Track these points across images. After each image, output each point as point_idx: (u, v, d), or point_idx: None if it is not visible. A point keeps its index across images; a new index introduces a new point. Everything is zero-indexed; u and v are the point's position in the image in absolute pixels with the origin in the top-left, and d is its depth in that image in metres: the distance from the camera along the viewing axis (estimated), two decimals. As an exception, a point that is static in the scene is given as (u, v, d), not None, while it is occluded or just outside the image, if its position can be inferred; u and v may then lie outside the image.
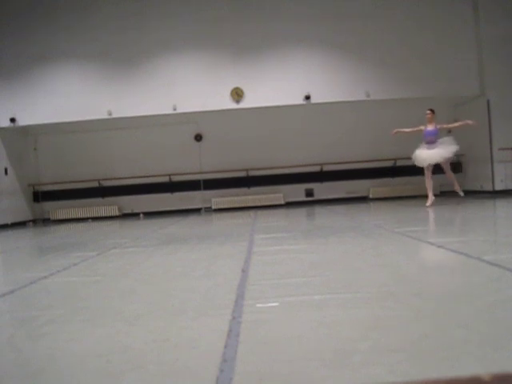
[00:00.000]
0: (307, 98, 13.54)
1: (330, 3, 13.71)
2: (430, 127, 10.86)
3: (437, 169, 15.04)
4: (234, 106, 13.75)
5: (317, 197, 15.52)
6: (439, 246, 4.71)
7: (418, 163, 10.94)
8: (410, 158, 14.93)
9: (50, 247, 8.02)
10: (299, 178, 15.36)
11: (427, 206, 10.61)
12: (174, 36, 13.84)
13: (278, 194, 15.42)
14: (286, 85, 13.60)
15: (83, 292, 3.87)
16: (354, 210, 11.61)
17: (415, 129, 11.07)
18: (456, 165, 15.21)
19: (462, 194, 11.34)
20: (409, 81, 13.52)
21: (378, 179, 15.23)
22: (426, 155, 10.71)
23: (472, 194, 14.21)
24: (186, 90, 13.69)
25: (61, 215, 15.55)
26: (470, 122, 10.74)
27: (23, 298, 3.83)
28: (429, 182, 10.96)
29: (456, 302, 2.80)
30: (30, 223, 15.11)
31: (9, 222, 14.06)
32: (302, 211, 12.55)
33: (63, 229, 12.39)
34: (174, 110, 13.81)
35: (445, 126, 11.11)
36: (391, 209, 11.37)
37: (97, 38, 13.87)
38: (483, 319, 2.43)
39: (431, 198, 10.91)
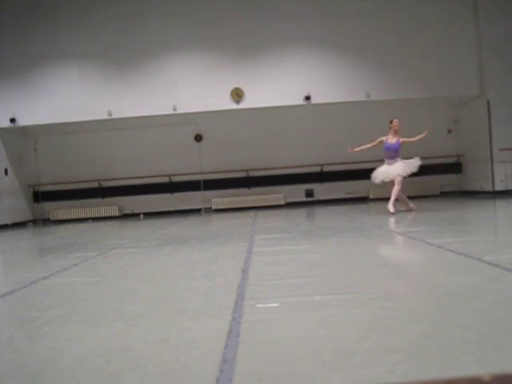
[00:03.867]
0: (307, 98, 13.53)
1: (329, 3, 13.70)
2: (392, 140, 9.74)
3: (436, 168, 15.09)
4: (234, 106, 13.75)
5: (317, 197, 15.51)
6: (439, 247, 4.71)
7: (373, 179, 10.00)
8: (409, 159, 15.05)
9: (50, 248, 8.02)
10: (299, 179, 15.36)
11: (392, 213, 9.35)
12: (174, 36, 13.83)
13: (278, 194, 15.42)
14: (286, 85, 13.59)
15: (83, 292, 3.87)
16: (354, 210, 11.61)
17: (375, 142, 9.96)
18: (456, 165, 15.24)
19: (392, 210, 9.41)
20: (409, 81, 13.51)
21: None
22: (383, 172, 9.77)
23: (472, 194, 14.22)
24: (186, 90, 13.69)
25: (61, 215, 15.54)
26: (424, 134, 9.76)
27: (23, 298, 3.83)
28: (392, 187, 9.73)
29: (456, 303, 2.80)
30: (30, 223, 15.11)
31: (9, 223, 14.05)
32: (302, 212, 12.55)
33: (63, 229, 12.39)
34: (174, 110, 13.80)
35: (406, 139, 9.77)
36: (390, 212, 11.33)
37: (97, 39, 13.86)
38: (483, 319, 2.43)
39: (392, 202, 9.58)
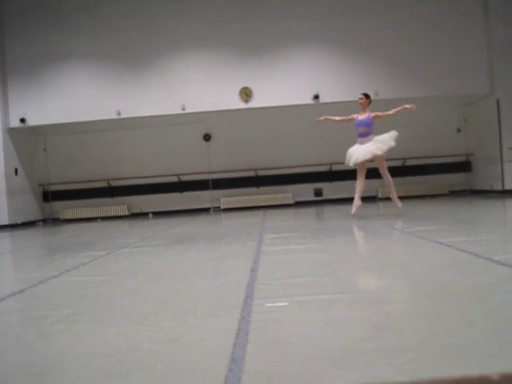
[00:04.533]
0: (316, 97, 13.52)
1: (338, 2, 13.69)
2: (362, 116, 8.91)
3: (445, 167, 15.04)
4: (242, 105, 13.77)
5: (326, 196, 15.50)
6: (449, 246, 4.69)
7: (346, 162, 9.15)
8: (419, 158, 15.02)
9: (59, 247, 8.06)
10: (308, 178, 15.36)
11: (352, 215, 8.93)
12: (183, 36, 13.86)
13: (287, 193, 15.41)
14: (295, 84, 13.59)
15: (92, 291, 3.88)
16: (363, 209, 11.58)
17: (347, 117, 9.16)
18: (465, 164, 15.17)
19: (399, 205, 9.21)
20: (418, 80, 13.48)
21: (387, 179, 15.15)
22: (353, 151, 8.92)
23: (482, 193, 14.15)
24: (194, 89, 13.72)
25: (70, 215, 15.61)
26: (407, 106, 8.73)
27: (33, 297, 3.84)
28: (359, 184, 9.05)
29: (465, 302, 2.79)
30: (40, 223, 15.18)
31: (19, 222, 14.13)
32: (310, 211, 12.54)
33: (72, 228, 12.44)
34: (183, 109, 13.84)
35: (379, 113, 8.87)
36: (401, 208, 11.29)
37: (106, 38, 13.92)
38: (492, 319, 2.42)
39: (357, 203, 9.06)
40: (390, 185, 9.01)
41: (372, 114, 8.79)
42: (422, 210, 10.35)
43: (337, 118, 9.26)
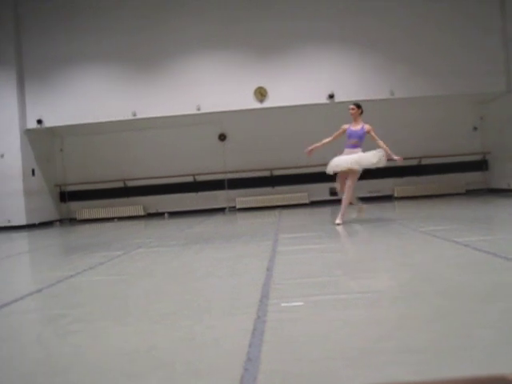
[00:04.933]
0: (331, 96, 13.49)
1: (352, 1, 13.64)
2: (357, 126, 8.21)
3: (461, 166, 14.93)
4: (257, 105, 13.76)
5: (341, 196, 15.43)
6: (465, 245, 4.66)
7: (327, 170, 8.51)
8: (435, 157, 14.92)
9: (76, 247, 8.12)
10: (323, 177, 15.25)
11: (337, 224, 8.04)
12: (197, 36, 13.88)
13: (303, 193, 15.39)
14: (310, 84, 13.55)
15: (109, 291, 3.91)
16: (378, 209, 11.54)
17: (337, 133, 8.38)
18: (482, 162, 15.05)
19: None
20: (433, 78, 13.37)
21: (403, 178, 15.08)
22: (333, 162, 8.30)
23: (499, 192, 14.03)
24: (209, 89, 13.74)
25: (87, 215, 15.71)
26: (395, 157, 7.93)
27: (51, 296, 3.88)
28: (343, 188, 8.47)
29: (482, 302, 2.78)
30: (57, 223, 15.29)
31: (36, 222, 14.25)
32: (326, 210, 12.51)
33: (89, 228, 12.52)
34: (198, 110, 13.87)
35: (373, 133, 8.12)
36: (416, 208, 11.26)
37: (120, 40, 13.98)
38: (509, 319, 2.41)
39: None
40: (345, 200, 8.29)
41: (367, 127, 8.12)
42: (438, 210, 10.29)
43: (327, 140, 8.48)
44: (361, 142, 8.18)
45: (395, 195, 15.01)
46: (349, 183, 8.14)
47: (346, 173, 8.18)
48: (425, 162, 14.93)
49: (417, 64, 13.37)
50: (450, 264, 4.02)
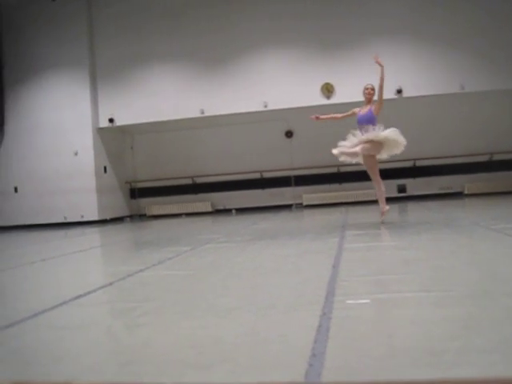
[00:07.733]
0: (399, 91, 13.25)
1: (421, -6, 13.36)
2: (364, 109, 7.72)
3: (502, 165, 14.35)
4: (324, 101, 13.68)
5: (409, 193, 15.16)
6: (540, 244, 4.50)
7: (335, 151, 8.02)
8: (507, 153, 14.41)
9: (145, 242, 8.31)
10: (391, 174, 15.05)
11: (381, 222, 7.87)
12: (263, 34, 13.94)
13: (370, 190, 15.19)
14: (377, 79, 13.34)
15: (177, 285, 3.98)
16: (448, 206, 11.27)
17: (347, 113, 8.08)
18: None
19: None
20: (504, 72, 12.90)
21: (474, 174, 14.64)
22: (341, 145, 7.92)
23: None
24: (276, 87, 13.77)
25: (156, 211, 16.05)
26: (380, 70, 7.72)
27: (121, 289, 3.99)
28: (377, 187, 8.12)
29: (557, 302, 2.67)
30: (128, 219, 15.70)
31: (108, 218, 14.69)
32: (394, 207, 12.30)
33: (158, 224, 12.78)
34: (265, 107, 13.93)
35: (377, 103, 7.63)
36: (488, 205, 10.93)
37: (188, 40, 14.21)
38: None
39: (384, 207, 7.92)
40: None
41: (373, 107, 7.63)
42: (510, 207, 9.95)
43: (336, 115, 8.32)
44: (372, 125, 7.53)
45: (466, 192, 14.61)
46: (373, 178, 8.09)
47: (368, 159, 7.95)
48: (497, 157, 14.45)
49: (488, 58, 12.95)
50: (523, 263, 3.88)
